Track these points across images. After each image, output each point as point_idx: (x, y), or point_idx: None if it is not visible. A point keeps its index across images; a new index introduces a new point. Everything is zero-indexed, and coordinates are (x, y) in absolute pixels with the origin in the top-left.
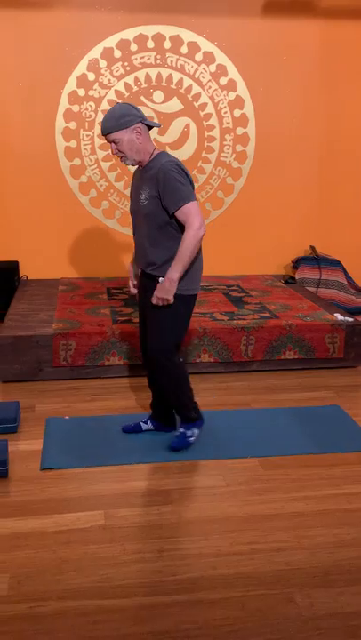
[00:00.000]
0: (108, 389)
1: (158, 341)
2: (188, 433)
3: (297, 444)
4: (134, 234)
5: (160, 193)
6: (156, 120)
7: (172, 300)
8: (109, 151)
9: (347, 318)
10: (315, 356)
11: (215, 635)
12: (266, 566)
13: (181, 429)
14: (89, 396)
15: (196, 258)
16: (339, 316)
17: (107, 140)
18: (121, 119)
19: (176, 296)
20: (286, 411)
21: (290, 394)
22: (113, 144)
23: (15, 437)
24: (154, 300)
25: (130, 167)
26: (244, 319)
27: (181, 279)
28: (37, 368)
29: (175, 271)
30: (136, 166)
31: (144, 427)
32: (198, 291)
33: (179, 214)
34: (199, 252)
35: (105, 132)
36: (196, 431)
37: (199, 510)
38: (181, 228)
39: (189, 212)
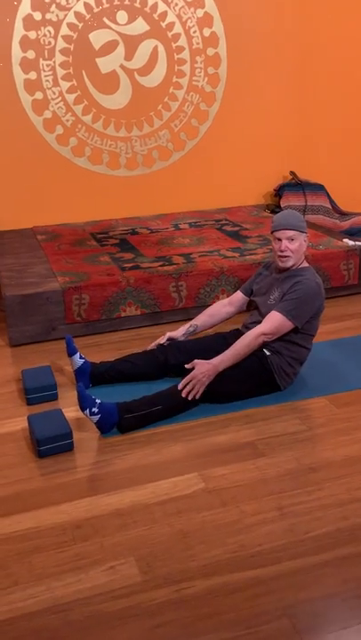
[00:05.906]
0: (130, 342)
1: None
2: (95, 410)
3: (356, 378)
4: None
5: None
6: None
7: (201, 387)
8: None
9: (357, 243)
10: (331, 284)
11: None
12: None
13: (96, 409)
14: (114, 350)
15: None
16: (349, 242)
17: (281, 234)
18: (302, 222)
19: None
20: (325, 344)
21: None
22: (286, 241)
23: (57, 405)
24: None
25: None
26: (255, 253)
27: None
28: (50, 327)
29: (222, 362)
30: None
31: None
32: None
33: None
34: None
35: (289, 227)
36: (95, 419)
37: (296, 459)
38: (298, 333)
39: (277, 322)
